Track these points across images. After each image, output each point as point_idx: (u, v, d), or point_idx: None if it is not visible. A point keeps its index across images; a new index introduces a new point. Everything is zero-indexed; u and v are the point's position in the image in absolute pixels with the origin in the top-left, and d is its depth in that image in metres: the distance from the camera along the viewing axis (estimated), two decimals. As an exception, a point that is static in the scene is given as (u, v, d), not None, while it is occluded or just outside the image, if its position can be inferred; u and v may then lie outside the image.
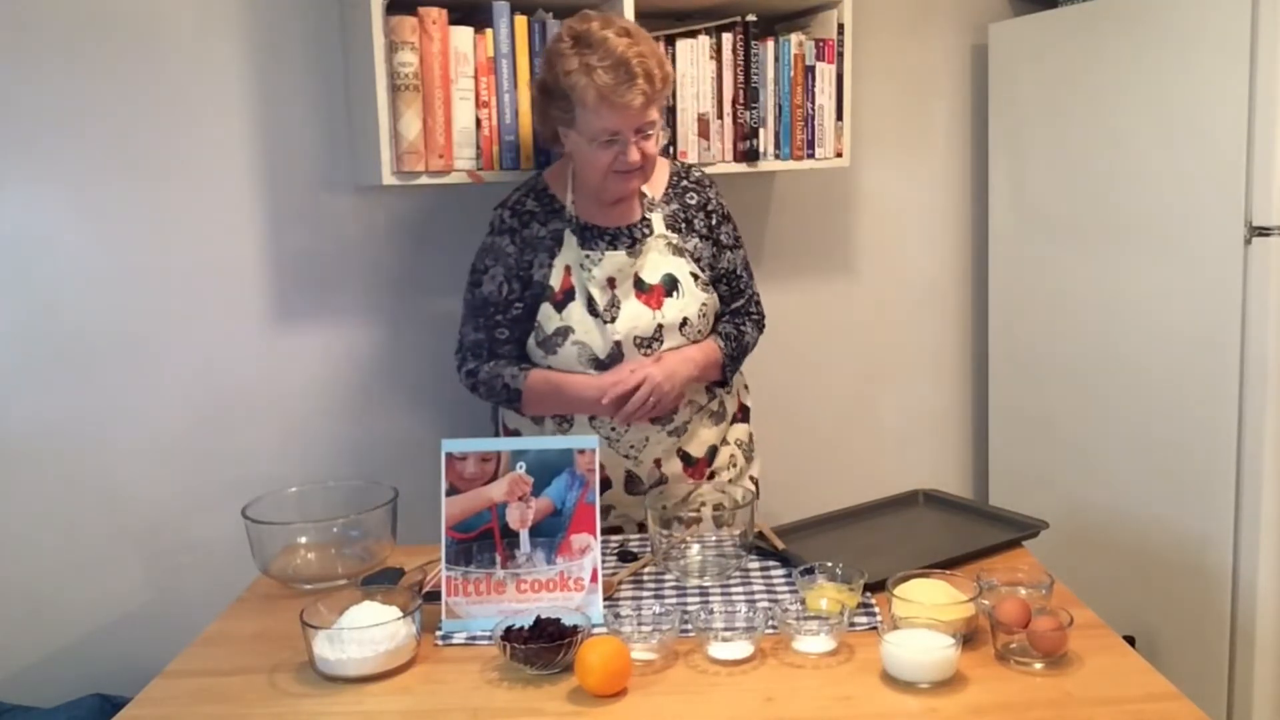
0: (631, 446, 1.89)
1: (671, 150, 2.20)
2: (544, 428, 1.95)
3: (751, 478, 2.08)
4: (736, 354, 1.97)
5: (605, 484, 1.91)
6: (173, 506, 2.22)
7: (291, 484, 1.88)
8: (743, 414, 2.09)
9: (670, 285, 1.87)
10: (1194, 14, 2.11)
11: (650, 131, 1.78)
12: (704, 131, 2.23)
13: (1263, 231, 2.03)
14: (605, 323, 1.83)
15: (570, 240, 1.88)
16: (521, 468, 1.57)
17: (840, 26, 2.34)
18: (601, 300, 1.84)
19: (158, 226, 2.15)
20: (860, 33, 2.58)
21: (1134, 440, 2.35)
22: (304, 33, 2.19)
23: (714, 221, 1.95)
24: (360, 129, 2.13)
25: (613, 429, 1.87)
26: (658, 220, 1.90)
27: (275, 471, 2.17)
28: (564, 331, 1.85)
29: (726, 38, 2.22)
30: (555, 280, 1.86)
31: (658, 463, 1.91)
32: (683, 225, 1.92)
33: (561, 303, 1.86)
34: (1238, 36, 2.02)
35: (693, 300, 1.88)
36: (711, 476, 1.97)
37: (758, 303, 2.06)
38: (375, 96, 1.94)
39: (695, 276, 1.89)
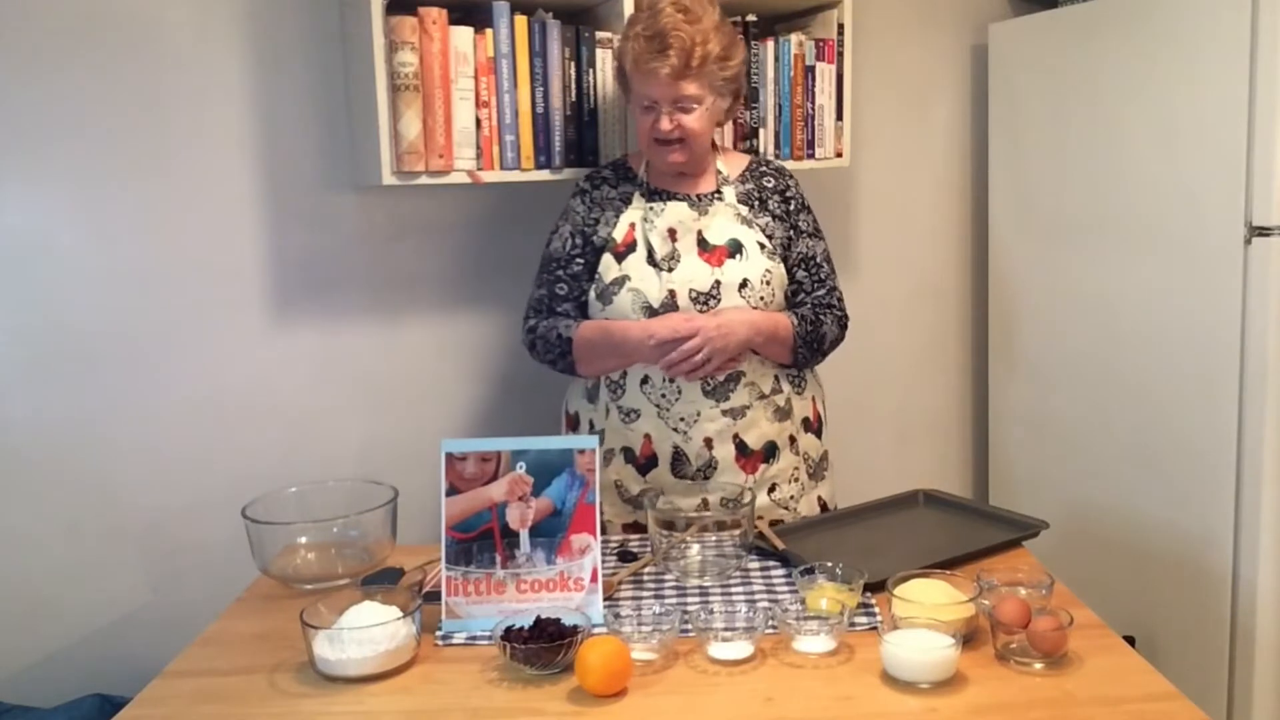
0: (681, 419, 1.86)
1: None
2: (598, 404, 1.94)
3: (819, 499, 2.02)
4: (811, 339, 1.90)
5: (651, 462, 1.90)
6: (173, 506, 2.22)
7: (291, 484, 1.88)
8: (817, 426, 2.02)
9: (735, 248, 1.87)
10: (1194, 15, 2.11)
11: (690, 106, 1.82)
12: (704, 131, 2.23)
13: (1263, 231, 2.03)
14: (662, 272, 1.85)
15: (638, 199, 1.94)
16: (521, 468, 1.57)
17: (840, 26, 2.34)
18: (661, 250, 1.86)
19: (158, 226, 2.15)
20: (860, 33, 2.58)
21: (1134, 440, 2.35)
22: (304, 33, 2.19)
23: (792, 207, 1.96)
24: (360, 129, 2.13)
25: (663, 395, 1.86)
26: (730, 193, 1.94)
27: (275, 471, 2.17)
28: (621, 280, 1.87)
29: (726, 38, 2.22)
30: (619, 233, 1.91)
31: (709, 443, 1.87)
32: (756, 203, 1.94)
33: (622, 254, 1.89)
34: (1238, 37, 2.02)
35: (756, 264, 1.87)
36: (773, 489, 1.91)
37: (840, 299, 1.99)
38: (375, 96, 1.94)
39: (762, 245, 1.89)
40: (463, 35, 2.01)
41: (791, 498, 1.94)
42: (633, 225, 1.91)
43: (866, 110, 2.69)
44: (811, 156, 2.37)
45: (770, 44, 2.29)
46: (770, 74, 2.29)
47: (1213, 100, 2.09)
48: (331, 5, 2.20)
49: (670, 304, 1.84)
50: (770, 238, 1.91)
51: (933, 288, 2.85)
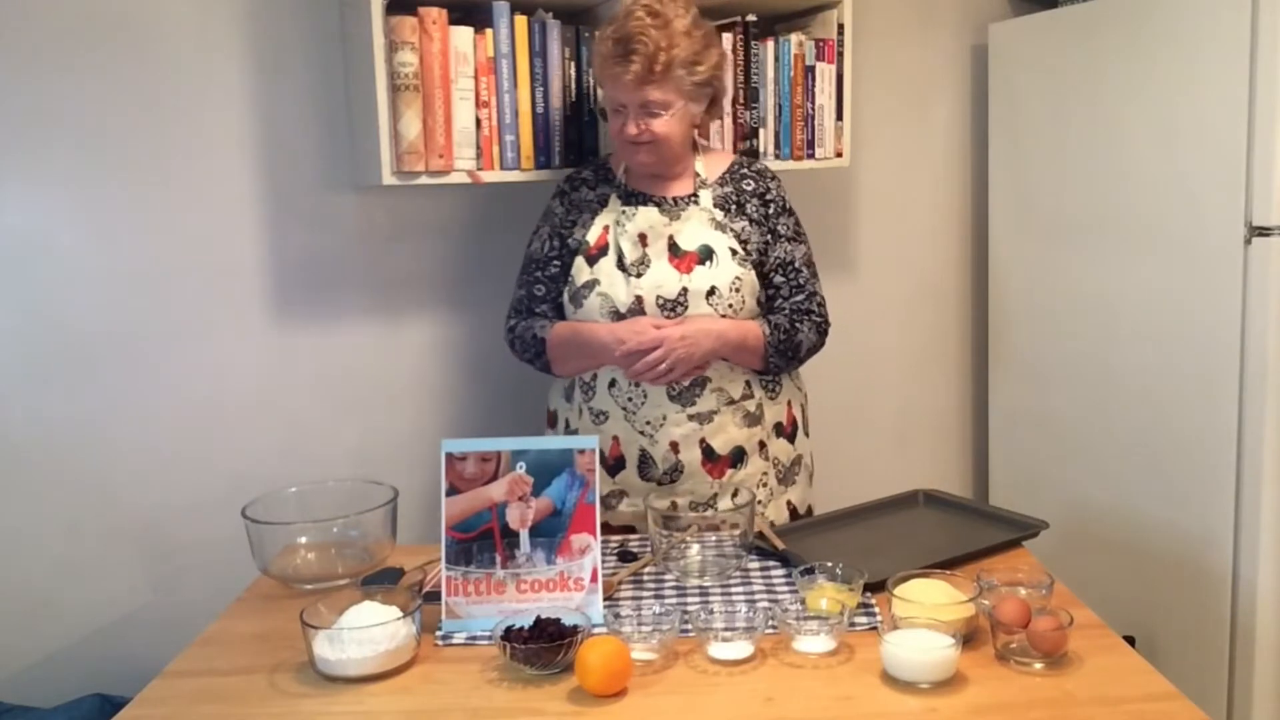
0: (648, 423, 1.87)
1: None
2: (573, 403, 1.95)
3: (789, 503, 2.00)
4: (784, 348, 1.88)
5: (619, 464, 1.90)
6: (173, 506, 2.22)
7: (291, 484, 1.88)
8: (791, 430, 2.00)
9: (705, 255, 1.86)
10: (1194, 14, 2.11)
11: (656, 111, 1.81)
12: (704, 131, 2.22)
13: (1263, 231, 2.03)
14: (631, 277, 1.85)
15: (614, 202, 1.93)
16: (521, 468, 1.57)
17: (840, 26, 2.34)
18: (631, 255, 1.86)
19: (158, 226, 2.15)
20: (860, 33, 2.58)
21: (1134, 440, 2.35)
22: (304, 33, 2.19)
23: (771, 210, 1.94)
24: (360, 129, 2.13)
25: (629, 399, 1.86)
26: (706, 197, 1.92)
27: (275, 471, 2.17)
28: (591, 284, 1.88)
29: (726, 38, 2.22)
30: (592, 236, 1.91)
31: (675, 447, 1.87)
32: (733, 207, 1.93)
33: (594, 257, 1.89)
34: (1238, 37, 2.02)
35: (725, 272, 1.85)
36: (735, 494, 1.90)
37: (821, 304, 1.96)
38: (375, 96, 1.94)
39: (734, 252, 1.87)
40: (463, 35, 2.01)
41: (759, 502, 1.93)
42: (606, 228, 1.91)
43: (866, 110, 2.69)
44: (811, 156, 2.36)
45: (770, 44, 2.29)
46: (770, 74, 2.29)
47: (1213, 100, 2.09)
48: (331, 5, 2.20)
49: (637, 309, 1.84)
50: (744, 243, 1.89)
51: (932, 288, 2.85)
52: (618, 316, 1.85)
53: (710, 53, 1.85)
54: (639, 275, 1.85)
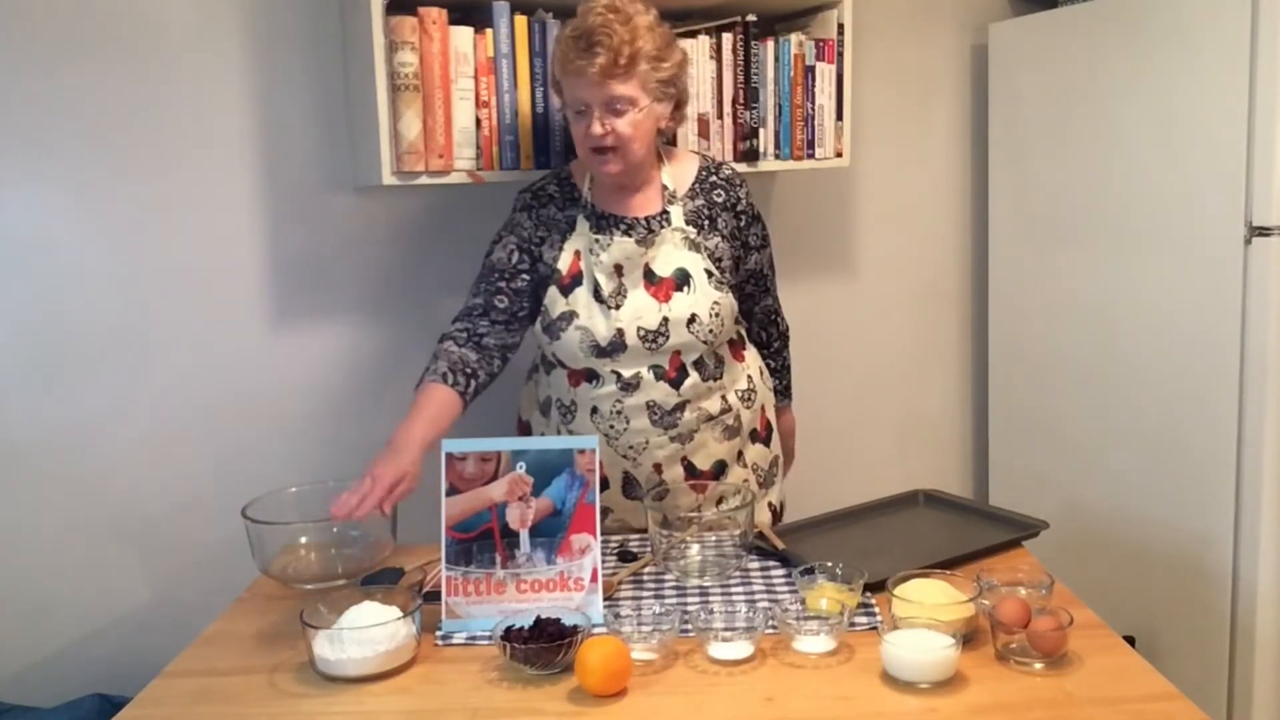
0: (630, 448, 1.86)
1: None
2: (550, 420, 1.94)
3: (770, 504, 2.02)
4: (789, 374, 2.17)
5: (603, 484, 1.89)
6: (173, 506, 2.22)
7: (291, 484, 1.88)
8: (766, 434, 2.02)
9: (682, 279, 1.82)
10: (1194, 14, 2.11)
11: (622, 108, 1.73)
12: (704, 131, 2.23)
13: (1263, 231, 2.03)
14: (610, 309, 1.81)
15: (583, 226, 1.86)
16: (521, 468, 1.57)
17: (840, 26, 2.34)
18: (607, 287, 1.81)
19: (158, 226, 2.15)
20: (860, 33, 2.58)
21: (1134, 440, 2.35)
22: (304, 33, 2.19)
23: (743, 223, 1.91)
24: (360, 129, 2.13)
25: (611, 425, 1.85)
26: (677, 214, 1.86)
27: (275, 471, 2.17)
28: (568, 316, 1.83)
29: (726, 38, 2.22)
30: (564, 264, 1.85)
31: (658, 468, 1.88)
32: (705, 222, 1.87)
33: (568, 287, 1.84)
34: (1238, 36, 2.02)
35: (704, 297, 1.82)
36: (719, 501, 1.88)
37: (778, 299, 2.10)
38: (375, 96, 1.94)
39: (710, 274, 1.84)
40: (463, 35, 2.01)
41: (738, 508, 1.93)
42: (577, 254, 1.85)
43: (867, 110, 2.69)
44: (811, 156, 2.36)
45: (770, 44, 2.29)
46: (770, 74, 2.29)
47: (1213, 100, 2.09)
48: (331, 5, 2.20)
49: (619, 342, 1.80)
50: (719, 261, 1.86)
51: (933, 288, 2.85)
52: (598, 349, 1.81)
53: (673, 51, 1.80)
54: (617, 307, 1.80)
